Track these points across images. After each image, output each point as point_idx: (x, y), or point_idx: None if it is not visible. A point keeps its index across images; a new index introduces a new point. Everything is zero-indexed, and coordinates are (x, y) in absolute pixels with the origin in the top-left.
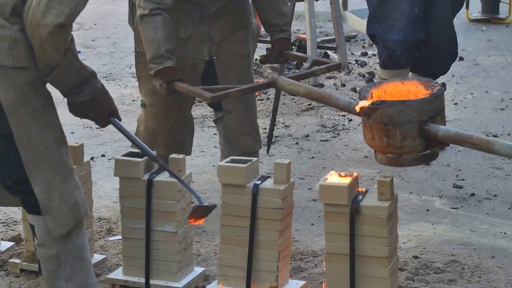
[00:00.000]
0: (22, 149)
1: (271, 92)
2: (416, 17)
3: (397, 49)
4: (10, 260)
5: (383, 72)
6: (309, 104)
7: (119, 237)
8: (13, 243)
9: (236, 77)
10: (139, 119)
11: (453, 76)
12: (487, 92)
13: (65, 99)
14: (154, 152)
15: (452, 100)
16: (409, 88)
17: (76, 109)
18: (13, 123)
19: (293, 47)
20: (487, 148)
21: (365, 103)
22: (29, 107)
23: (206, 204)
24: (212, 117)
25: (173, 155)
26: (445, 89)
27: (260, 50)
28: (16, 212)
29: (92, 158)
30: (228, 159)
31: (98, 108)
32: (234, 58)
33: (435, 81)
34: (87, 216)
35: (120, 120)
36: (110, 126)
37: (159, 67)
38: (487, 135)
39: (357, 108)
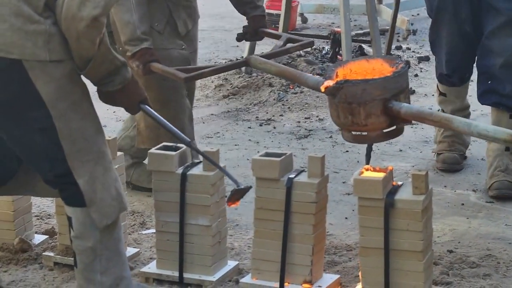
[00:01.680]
0: (64, 141)
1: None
2: (468, 35)
3: (446, 70)
4: (44, 253)
5: (439, 85)
6: None
7: (153, 230)
8: (47, 236)
9: None
10: (137, 117)
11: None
12: None
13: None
14: (187, 138)
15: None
16: (374, 66)
17: (106, 98)
18: (55, 117)
19: (327, 40)
20: (446, 125)
21: (329, 83)
22: (69, 99)
23: (242, 186)
24: (246, 111)
25: (207, 149)
26: (409, 67)
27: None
28: (49, 206)
29: None
30: (262, 152)
31: (128, 97)
32: (193, 54)
33: (399, 58)
34: (127, 208)
35: (150, 107)
36: None
37: (136, 49)
38: None
39: (322, 88)
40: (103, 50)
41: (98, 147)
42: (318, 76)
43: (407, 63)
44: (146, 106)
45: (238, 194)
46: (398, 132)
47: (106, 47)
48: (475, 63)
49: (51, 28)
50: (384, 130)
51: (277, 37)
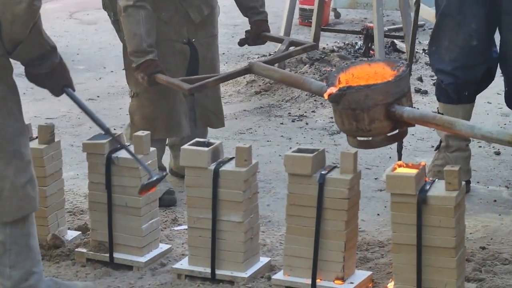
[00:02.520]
0: None
1: None
2: (473, 49)
3: (444, 81)
4: (76, 249)
5: (439, 104)
6: None
7: (185, 226)
8: (80, 232)
9: (211, 58)
10: (131, 109)
11: None
12: None
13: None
14: (106, 124)
15: None
16: (376, 70)
17: (33, 78)
18: None
19: (360, 35)
20: (449, 129)
21: (332, 90)
22: None
23: (155, 177)
24: (279, 106)
25: (239, 145)
26: (409, 69)
27: (328, 39)
28: (82, 202)
29: None
30: (295, 148)
31: (54, 80)
32: (210, 40)
33: (400, 61)
34: (37, 209)
35: (74, 90)
36: None
37: (141, 60)
38: None
39: (325, 95)
40: (35, 34)
41: (15, 148)
42: (321, 82)
43: (408, 66)
44: (70, 90)
45: (152, 184)
46: (402, 135)
47: (38, 31)
48: (500, 67)
49: None
50: (388, 134)
51: (280, 40)
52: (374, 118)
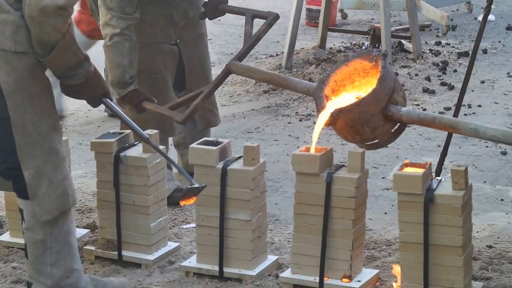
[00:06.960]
0: (17, 133)
1: None
2: None
3: None
4: (85, 247)
5: None
6: None
7: (193, 225)
8: (88, 230)
9: (199, 58)
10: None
11: None
12: None
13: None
14: (146, 134)
15: None
16: (355, 67)
17: (70, 91)
18: (11, 107)
19: (367, 36)
20: (453, 131)
21: (326, 115)
22: (27, 92)
23: (196, 185)
24: (286, 106)
25: (247, 144)
26: (386, 57)
27: (335, 39)
28: (91, 200)
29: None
30: (302, 147)
31: (91, 90)
32: (196, 39)
33: (374, 50)
34: (75, 204)
35: (111, 100)
36: None
37: (124, 92)
38: None
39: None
40: (68, 39)
41: (51, 144)
42: (307, 81)
43: (385, 56)
44: (108, 100)
45: (192, 192)
46: (405, 126)
47: (71, 38)
48: None
49: (20, 20)
50: (392, 131)
51: (240, 13)
52: (375, 126)
